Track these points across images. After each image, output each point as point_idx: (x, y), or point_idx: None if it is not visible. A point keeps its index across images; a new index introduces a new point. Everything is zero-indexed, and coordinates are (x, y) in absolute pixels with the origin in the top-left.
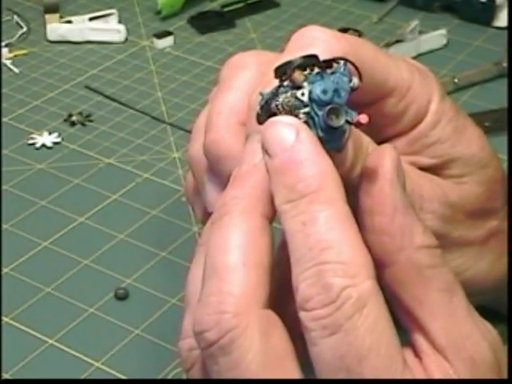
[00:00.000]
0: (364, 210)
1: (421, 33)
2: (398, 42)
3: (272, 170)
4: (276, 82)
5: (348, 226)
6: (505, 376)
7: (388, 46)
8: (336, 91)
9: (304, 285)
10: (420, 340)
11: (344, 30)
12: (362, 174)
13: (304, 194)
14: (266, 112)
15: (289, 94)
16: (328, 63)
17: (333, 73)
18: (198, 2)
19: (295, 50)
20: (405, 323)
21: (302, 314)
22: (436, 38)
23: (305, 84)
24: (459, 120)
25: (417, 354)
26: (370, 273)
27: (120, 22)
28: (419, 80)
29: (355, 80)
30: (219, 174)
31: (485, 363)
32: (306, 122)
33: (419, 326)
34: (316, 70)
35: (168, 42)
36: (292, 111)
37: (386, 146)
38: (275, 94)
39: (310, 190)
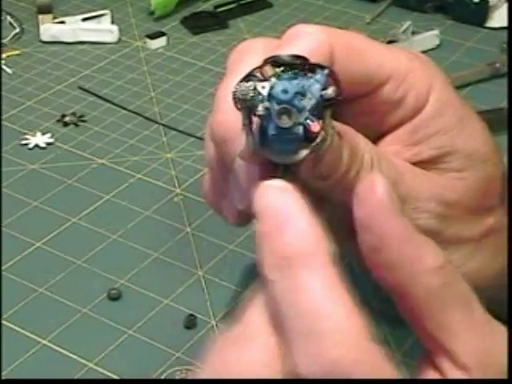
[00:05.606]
0: (368, 248)
1: (414, 33)
2: (390, 42)
3: (259, 235)
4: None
5: (340, 291)
6: None
7: None
8: (300, 94)
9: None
10: (443, 361)
11: None
12: (355, 211)
13: (291, 259)
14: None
15: (250, 83)
16: (312, 67)
17: (310, 77)
18: (190, 2)
19: (284, 44)
20: (426, 344)
21: None
22: (429, 38)
23: (272, 79)
24: (464, 111)
25: (441, 374)
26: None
27: (113, 22)
28: (419, 67)
29: (329, 90)
30: (225, 156)
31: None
32: (263, 116)
33: (441, 347)
34: (295, 70)
35: (161, 42)
36: (246, 101)
37: (373, 173)
38: (243, 81)
39: (297, 254)
